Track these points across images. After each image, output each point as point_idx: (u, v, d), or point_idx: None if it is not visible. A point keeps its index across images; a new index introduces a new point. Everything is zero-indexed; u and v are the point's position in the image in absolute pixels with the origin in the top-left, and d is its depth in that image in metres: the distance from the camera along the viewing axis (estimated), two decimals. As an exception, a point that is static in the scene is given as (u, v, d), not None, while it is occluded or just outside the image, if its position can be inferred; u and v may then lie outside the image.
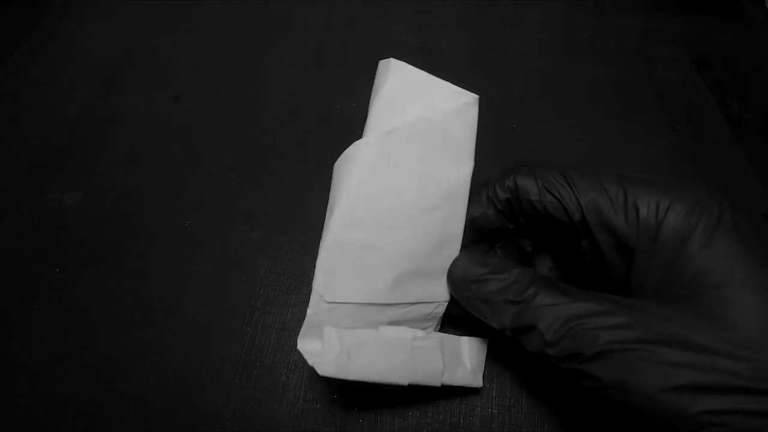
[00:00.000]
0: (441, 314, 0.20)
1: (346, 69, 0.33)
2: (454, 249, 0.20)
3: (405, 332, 0.19)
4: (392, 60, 0.21)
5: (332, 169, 0.22)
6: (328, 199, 0.20)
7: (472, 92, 0.21)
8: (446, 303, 0.20)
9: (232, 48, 0.35)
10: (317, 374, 0.21)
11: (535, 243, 0.21)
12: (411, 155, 0.20)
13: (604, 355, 0.14)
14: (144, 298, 0.23)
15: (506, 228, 0.20)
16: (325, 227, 0.19)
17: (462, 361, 0.20)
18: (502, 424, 0.20)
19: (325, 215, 0.20)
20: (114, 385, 0.21)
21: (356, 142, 0.20)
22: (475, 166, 0.21)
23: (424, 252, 0.19)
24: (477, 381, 0.20)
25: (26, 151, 0.29)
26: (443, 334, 0.20)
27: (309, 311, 0.18)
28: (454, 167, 0.20)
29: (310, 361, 0.17)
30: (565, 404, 0.20)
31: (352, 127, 0.30)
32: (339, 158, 0.20)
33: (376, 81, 0.22)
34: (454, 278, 0.19)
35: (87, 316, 0.23)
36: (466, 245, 0.20)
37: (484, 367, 0.21)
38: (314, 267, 0.19)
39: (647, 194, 0.16)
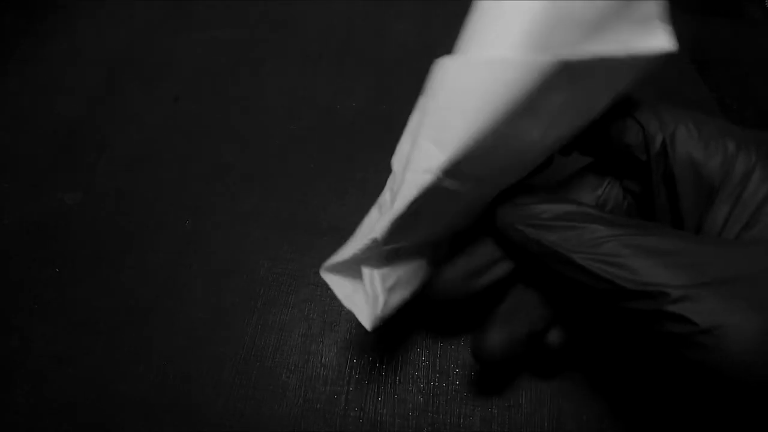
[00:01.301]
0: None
1: (346, 69, 0.33)
2: None
3: None
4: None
5: (332, 169, 0.21)
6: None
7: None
8: None
9: (232, 48, 0.35)
10: (317, 375, 0.21)
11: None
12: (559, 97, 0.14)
13: (700, 291, 0.12)
14: (144, 298, 0.23)
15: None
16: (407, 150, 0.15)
17: None
18: (502, 424, 0.20)
19: (324, 216, 0.19)
20: (114, 385, 0.21)
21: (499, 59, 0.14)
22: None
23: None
24: None
25: (26, 151, 0.29)
26: None
27: (355, 250, 0.16)
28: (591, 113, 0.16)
29: (340, 295, 0.16)
30: (566, 404, 0.20)
31: (353, 128, 0.30)
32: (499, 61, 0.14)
33: None
34: (501, 213, 0.16)
35: (87, 316, 0.23)
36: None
37: None
38: (314, 269, 0.18)
39: (743, 138, 0.14)
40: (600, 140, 0.17)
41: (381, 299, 0.16)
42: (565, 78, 0.13)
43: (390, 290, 0.16)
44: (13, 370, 0.21)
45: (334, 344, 0.22)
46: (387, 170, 0.22)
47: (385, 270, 0.16)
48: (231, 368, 0.21)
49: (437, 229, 0.17)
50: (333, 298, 0.23)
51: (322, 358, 0.21)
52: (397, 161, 0.16)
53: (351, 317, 0.22)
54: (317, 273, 0.24)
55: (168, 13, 0.37)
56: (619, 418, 0.20)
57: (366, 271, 0.16)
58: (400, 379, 0.21)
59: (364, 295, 0.16)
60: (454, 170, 0.14)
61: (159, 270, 0.24)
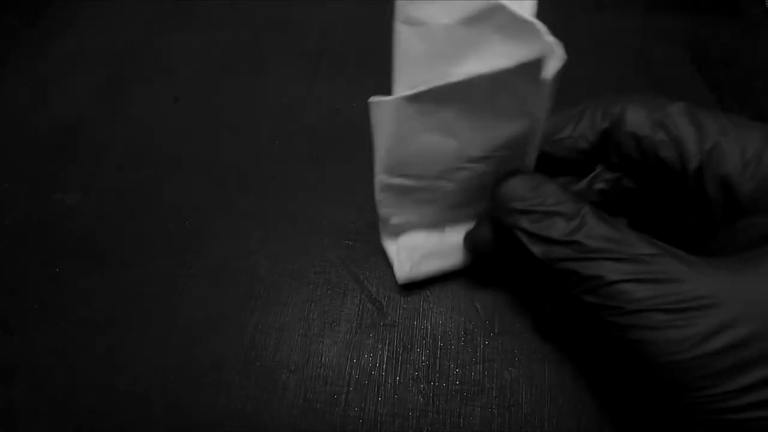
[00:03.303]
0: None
1: (346, 69, 0.33)
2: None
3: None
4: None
5: (332, 169, 0.22)
6: (325, 197, 0.22)
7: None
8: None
9: (232, 48, 0.35)
10: (317, 375, 0.21)
11: (617, 188, 0.19)
12: (450, 114, 0.17)
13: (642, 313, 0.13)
14: (144, 297, 0.23)
15: (586, 165, 0.18)
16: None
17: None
18: (502, 424, 0.20)
19: (324, 216, 0.21)
20: (114, 385, 0.21)
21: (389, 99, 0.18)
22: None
23: (476, 185, 0.19)
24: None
25: (26, 151, 0.29)
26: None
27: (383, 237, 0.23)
28: (508, 122, 0.17)
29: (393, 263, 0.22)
30: (565, 404, 0.20)
31: (353, 128, 0.30)
32: (375, 102, 0.19)
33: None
34: (498, 194, 0.17)
35: (87, 316, 0.23)
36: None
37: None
38: (314, 268, 0.20)
39: None
40: (630, 152, 0.16)
41: (407, 265, 0.22)
42: (445, 100, 0.16)
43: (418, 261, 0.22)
44: (13, 369, 0.21)
45: (334, 344, 0.22)
46: (387, 170, 0.22)
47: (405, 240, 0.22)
48: (231, 368, 0.21)
49: (433, 209, 0.21)
50: (333, 297, 0.23)
51: (322, 358, 0.21)
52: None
53: (351, 317, 0.23)
54: (317, 273, 0.24)
55: (168, 13, 0.37)
56: (618, 418, 0.20)
57: (393, 249, 0.22)
58: (400, 379, 0.21)
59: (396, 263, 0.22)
60: (397, 172, 0.19)
61: (159, 270, 0.24)
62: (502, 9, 0.15)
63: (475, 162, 0.18)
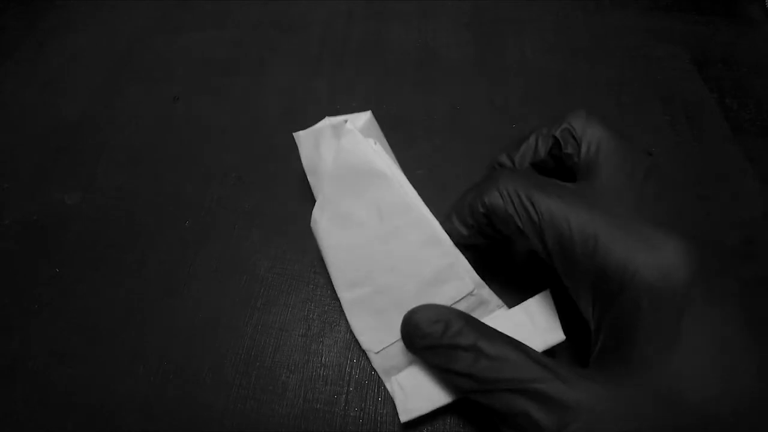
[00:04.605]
0: (484, 296, 0.19)
1: (346, 69, 0.33)
2: (437, 242, 0.19)
3: None
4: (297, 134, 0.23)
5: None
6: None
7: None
8: (475, 288, 0.19)
9: (232, 48, 0.35)
10: (317, 375, 0.21)
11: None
12: (346, 207, 0.20)
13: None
14: (144, 297, 0.23)
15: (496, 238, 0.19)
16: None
17: (534, 325, 0.18)
18: (502, 424, 0.20)
19: None
20: (114, 385, 0.21)
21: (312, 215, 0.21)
22: (476, 164, 0.21)
23: (416, 268, 0.19)
24: (557, 336, 0.18)
25: (26, 151, 0.29)
26: (500, 312, 0.19)
27: (376, 366, 0.21)
28: (379, 187, 0.20)
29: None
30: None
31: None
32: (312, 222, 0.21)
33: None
34: (403, 331, 0.18)
35: (87, 316, 0.23)
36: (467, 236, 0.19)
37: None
38: (314, 269, 0.20)
39: (618, 250, 0.15)
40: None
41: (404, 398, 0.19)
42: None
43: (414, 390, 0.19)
44: (13, 369, 0.21)
45: (334, 344, 0.22)
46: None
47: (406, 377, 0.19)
48: (231, 368, 0.21)
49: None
50: (333, 298, 0.23)
51: (322, 358, 0.21)
52: None
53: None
54: (317, 273, 0.24)
55: (168, 13, 0.37)
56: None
57: (389, 383, 0.20)
58: (400, 379, 0.21)
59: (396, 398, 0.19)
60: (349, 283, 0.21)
61: (159, 270, 0.24)
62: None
63: (390, 237, 0.20)
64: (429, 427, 0.20)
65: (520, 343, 0.16)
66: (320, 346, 0.22)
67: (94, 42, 0.35)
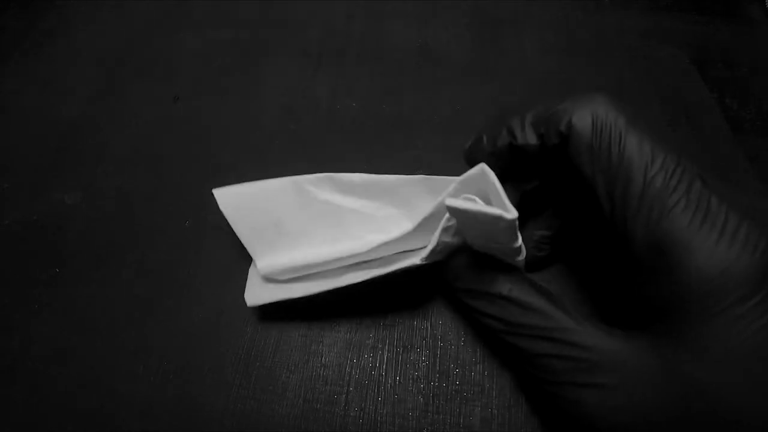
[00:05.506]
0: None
1: (346, 69, 0.33)
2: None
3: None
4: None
5: (332, 169, 0.22)
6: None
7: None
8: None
9: (232, 48, 0.35)
10: (317, 375, 0.21)
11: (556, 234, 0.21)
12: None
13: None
14: (144, 298, 0.23)
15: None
16: None
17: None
18: (502, 425, 0.20)
19: None
20: (114, 385, 0.21)
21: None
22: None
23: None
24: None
25: (26, 151, 0.29)
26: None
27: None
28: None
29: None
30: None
31: (353, 128, 0.30)
32: None
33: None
34: (444, 271, 0.19)
35: (87, 316, 0.23)
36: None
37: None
38: None
39: (691, 228, 0.14)
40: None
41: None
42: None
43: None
44: (13, 369, 0.21)
45: (334, 344, 0.22)
46: (387, 170, 0.22)
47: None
48: (231, 368, 0.21)
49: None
50: (333, 298, 0.23)
51: (322, 358, 0.21)
52: None
53: (351, 317, 0.22)
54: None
55: (168, 12, 0.37)
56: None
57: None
58: (400, 379, 0.21)
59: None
60: None
61: (159, 270, 0.24)
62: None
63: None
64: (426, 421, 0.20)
65: (549, 291, 0.17)
66: (320, 346, 0.22)
67: (94, 42, 0.35)
